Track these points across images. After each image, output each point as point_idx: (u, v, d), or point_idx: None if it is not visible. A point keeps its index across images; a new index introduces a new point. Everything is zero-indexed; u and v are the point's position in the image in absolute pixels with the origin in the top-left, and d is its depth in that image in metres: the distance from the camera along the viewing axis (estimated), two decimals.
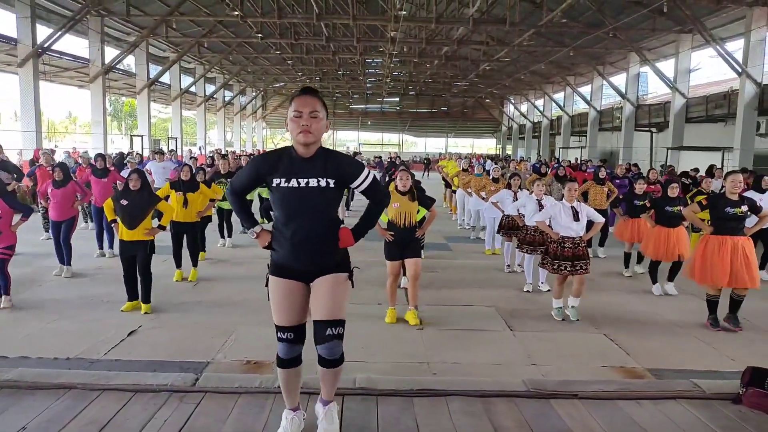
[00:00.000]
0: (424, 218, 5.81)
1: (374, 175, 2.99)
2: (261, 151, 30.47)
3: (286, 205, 2.82)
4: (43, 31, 17.49)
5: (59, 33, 17.01)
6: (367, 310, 5.97)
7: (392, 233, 5.52)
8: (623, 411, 3.46)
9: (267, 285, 2.96)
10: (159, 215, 6.11)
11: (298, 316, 2.91)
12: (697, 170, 15.11)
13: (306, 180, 2.77)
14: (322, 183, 2.77)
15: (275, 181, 2.80)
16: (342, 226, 2.92)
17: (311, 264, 2.86)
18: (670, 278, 7.05)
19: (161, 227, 6.06)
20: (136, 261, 5.83)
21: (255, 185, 2.99)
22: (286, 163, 2.80)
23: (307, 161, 2.79)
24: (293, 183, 2.77)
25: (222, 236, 9.80)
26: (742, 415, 3.42)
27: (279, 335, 2.91)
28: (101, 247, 8.64)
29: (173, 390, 3.57)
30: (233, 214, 10.08)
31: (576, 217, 5.79)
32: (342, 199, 3.02)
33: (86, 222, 10.94)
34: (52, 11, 19.07)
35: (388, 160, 20.16)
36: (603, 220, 6.25)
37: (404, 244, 5.55)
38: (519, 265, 8.00)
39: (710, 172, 11.37)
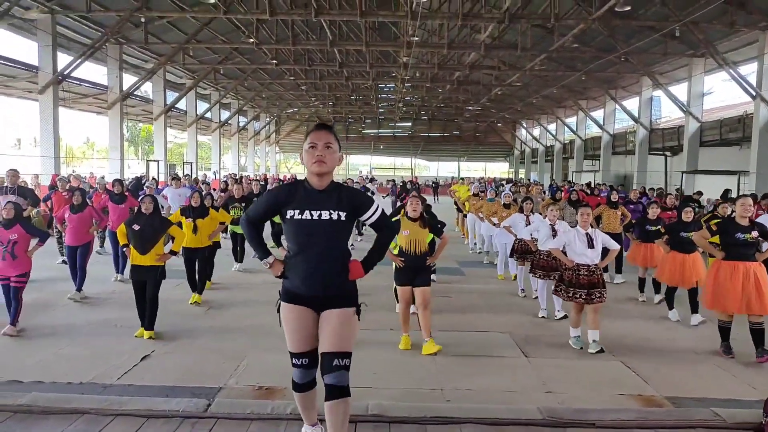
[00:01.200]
0: (433, 241, 5.77)
1: (383, 209, 3.10)
2: (270, 176, 30.73)
3: (298, 236, 2.91)
4: (63, 59, 17.92)
5: (79, 60, 17.40)
6: (379, 336, 5.92)
7: (402, 259, 5.50)
8: None
9: (278, 311, 3.02)
10: (171, 240, 6.16)
11: (311, 342, 2.97)
12: (700, 194, 15.00)
13: (319, 212, 2.88)
14: (334, 216, 2.89)
15: (289, 213, 2.90)
16: (352, 258, 3.01)
17: (321, 293, 2.93)
18: (694, 309, 6.74)
19: (173, 252, 6.11)
20: (146, 286, 5.86)
21: (272, 215, 3.08)
22: (302, 195, 2.92)
23: (320, 194, 2.91)
24: (306, 215, 2.87)
25: (236, 260, 9.83)
26: None
27: (294, 361, 2.99)
28: (118, 272, 8.68)
29: (185, 416, 3.56)
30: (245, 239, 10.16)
31: (591, 244, 5.70)
32: (352, 231, 3.13)
33: (101, 246, 11.03)
34: (72, 39, 19.56)
35: (401, 184, 20.23)
36: (618, 247, 6.15)
37: (415, 270, 5.52)
38: (535, 290, 7.92)
39: (725, 196, 11.26)
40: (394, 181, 28.71)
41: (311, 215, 2.87)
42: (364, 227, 15.12)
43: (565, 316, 6.73)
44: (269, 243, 11.70)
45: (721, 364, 5.31)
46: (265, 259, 3.04)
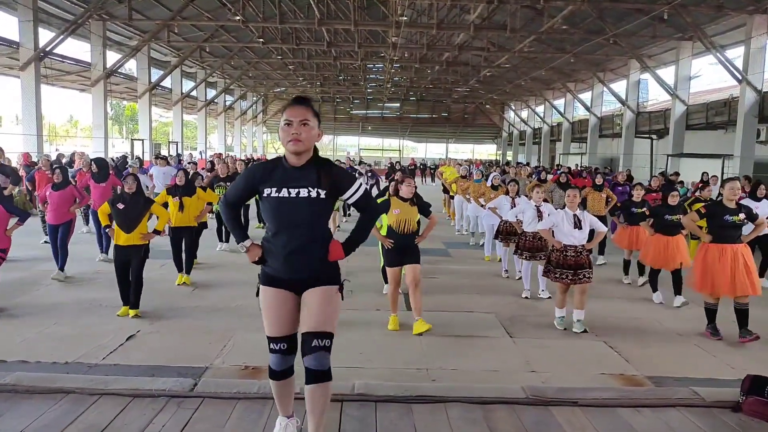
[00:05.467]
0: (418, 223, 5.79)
1: (365, 188, 2.96)
2: (257, 157, 30.48)
3: (276, 215, 2.79)
4: (45, 35, 17.54)
5: (61, 37, 17.06)
6: (365, 316, 5.95)
7: (392, 241, 5.52)
8: (622, 418, 3.45)
9: (257, 295, 2.92)
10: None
11: (290, 327, 2.87)
12: (677, 174, 15.16)
13: (297, 190, 2.74)
14: (313, 193, 2.74)
15: (266, 191, 2.78)
16: (333, 239, 2.89)
17: (301, 275, 2.82)
18: (677, 291, 6.83)
19: (157, 232, 6.08)
20: (130, 266, 5.83)
21: (249, 196, 2.97)
22: (279, 173, 2.79)
23: (298, 171, 2.77)
24: (284, 193, 2.75)
25: (220, 240, 9.80)
26: (741, 423, 3.41)
27: (271, 346, 2.86)
28: (103, 251, 8.60)
29: (171, 395, 3.56)
30: None
31: (578, 225, 5.74)
32: (333, 210, 2.97)
33: (87, 225, 10.92)
34: (54, 15, 19.12)
35: (388, 165, 20.15)
36: (605, 229, 6.22)
37: (404, 250, 5.55)
38: (519, 272, 8.00)
39: (703, 180, 11.39)
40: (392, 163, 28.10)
41: (288, 193, 2.73)
42: (350, 208, 15.10)
43: (550, 297, 6.82)
44: (256, 223, 11.71)
45: (702, 345, 5.42)
46: (242, 242, 2.92)
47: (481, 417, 3.40)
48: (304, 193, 2.74)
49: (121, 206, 5.80)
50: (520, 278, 7.39)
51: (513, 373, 4.60)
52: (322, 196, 2.76)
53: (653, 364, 4.83)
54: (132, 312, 5.79)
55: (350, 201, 2.89)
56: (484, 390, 3.80)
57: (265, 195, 2.79)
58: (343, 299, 2.92)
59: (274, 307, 2.85)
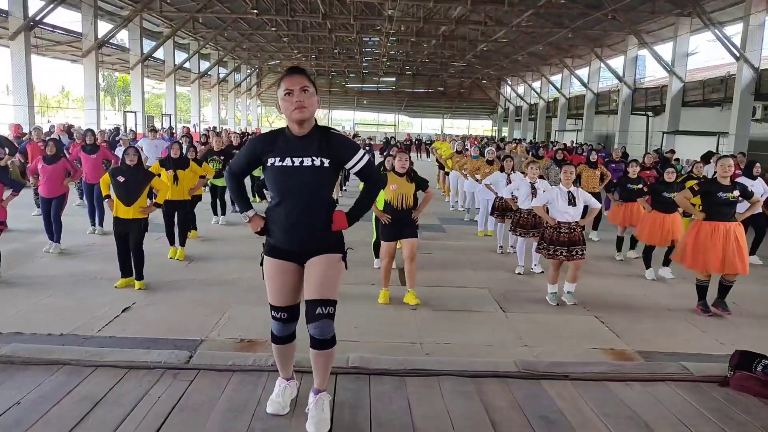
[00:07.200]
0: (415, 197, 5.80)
1: (369, 158, 2.94)
2: (251, 131, 30.24)
3: (280, 184, 2.79)
4: (35, 4, 17.20)
5: (51, 5, 16.72)
6: (360, 290, 5.99)
7: (389, 216, 5.52)
8: (613, 392, 3.50)
9: (261, 264, 2.95)
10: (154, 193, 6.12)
11: (292, 297, 2.91)
12: (673, 152, 15.20)
13: (300, 159, 2.74)
14: (317, 162, 2.74)
15: (270, 161, 2.78)
16: (337, 209, 2.88)
17: (304, 245, 2.84)
18: (666, 263, 7.07)
19: (157, 205, 6.06)
20: (129, 238, 5.82)
21: (254, 166, 2.95)
22: (282, 142, 2.79)
23: (301, 140, 2.77)
24: (287, 162, 2.74)
25: (215, 213, 9.80)
26: (729, 398, 3.47)
27: (273, 314, 2.93)
28: (94, 224, 8.58)
29: (167, 367, 3.58)
30: (227, 191, 10.10)
31: (572, 201, 5.76)
32: (336, 180, 2.96)
33: (81, 198, 10.87)
34: None
35: (384, 140, 20.05)
36: (599, 205, 6.24)
37: (401, 224, 5.56)
38: (512, 246, 8.05)
39: (707, 157, 11.36)
40: (387, 138, 27.64)
41: (292, 162, 2.73)
42: (347, 183, 15.07)
43: (543, 272, 6.88)
44: (251, 197, 11.65)
45: (692, 321, 5.48)
46: (245, 212, 2.95)
47: (473, 390, 3.45)
48: (308, 162, 2.74)
49: (121, 179, 5.76)
50: (515, 253, 7.43)
51: (505, 347, 4.65)
52: (326, 165, 2.76)
53: (644, 339, 4.90)
54: (138, 284, 5.84)
55: (353, 170, 2.86)
56: (476, 364, 3.84)
57: (268, 165, 2.78)
58: (347, 268, 2.94)
59: (277, 277, 2.88)
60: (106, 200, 5.97)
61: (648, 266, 7.14)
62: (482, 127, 54.65)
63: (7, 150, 10.18)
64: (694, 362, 3.99)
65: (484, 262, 7.67)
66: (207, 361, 3.68)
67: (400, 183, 5.52)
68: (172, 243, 7.33)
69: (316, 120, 2.86)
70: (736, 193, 5.50)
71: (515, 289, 6.42)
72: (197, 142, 13.28)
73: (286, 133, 2.80)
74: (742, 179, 7.31)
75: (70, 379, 3.39)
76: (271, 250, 2.90)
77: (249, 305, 5.41)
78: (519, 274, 7.05)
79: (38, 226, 8.40)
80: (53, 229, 7.29)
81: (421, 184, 5.67)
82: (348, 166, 2.85)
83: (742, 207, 5.70)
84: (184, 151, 7.86)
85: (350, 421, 3.06)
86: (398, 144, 14.48)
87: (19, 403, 3.10)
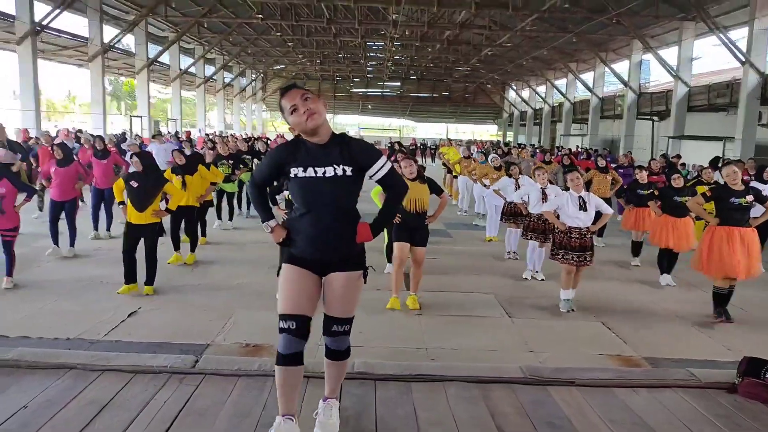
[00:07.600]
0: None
1: (391, 165, 2.84)
2: (256, 136, 30.27)
3: (304, 196, 2.74)
4: (41, 9, 17.30)
5: (57, 10, 16.83)
6: (365, 296, 5.88)
7: (399, 215, 5.46)
8: (619, 399, 3.49)
9: (278, 275, 2.86)
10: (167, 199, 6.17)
11: (305, 306, 2.76)
12: (679, 156, 15.14)
13: (323, 169, 2.68)
14: (339, 171, 2.68)
15: (293, 171, 2.72)
16: (361, 221, 2.82)
17: (327, 256, 2.78)
18: (668, 270, 7.02)
19: (169, 210, 6.08)
20: (142, 243, 5.83)
21: (276, 176, 2.89)
22: (303, 152, 2.72)
23: (322, 149, 2.71)
24: (310, 173, 2.69)
25: (219, 218, 9.78)
26: (737, 405, 3.45)
27: (281, 325, 2.72)
28: (96, 228, 8.58)
29: (173, 372, 3.59)
30: (234, 196, 10.12)
31: (583, 207, 5.70)
32: (360, 188, 2.86)
33: (82, 201, 10.86)
34: None
35: (389, 145, 20.06)
36: (611, 211, 6.17)
37: (414, 228, 5.53)
38: (515, 253, 8.04)
39: (715, 163, 11.30)
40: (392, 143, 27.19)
41: (315, 172, 2.67)
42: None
43: (543, 280, 6.87)
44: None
45: (700, 327, 5.45)
46: (267, 222, 2.86)
47: (479, 396, 3.44)
48: (330, 172, 2.68)
49: (134, 184, 5.77)
50: (517, 259, 7.38)
51: (511, 352, 4.63)
52: (348, 173, 2.70)
53: (651, 346, 4.87)
54: (147, 289, 5.85)
55: (375, 178, 2.77)
56: (482, 369, 3.84)
57: (292, 175, 2.73)
58: (365, 283, 2.91)
59: (293, 282, 2.77)
60: (121, 206, 5.98)
61: (662, 272, 7.08)
62: (487, 131, 54.67)
63: (20, 156, 10.22)
64: (702, 368, 3.98)
65: (490, 268, 7.65)
66: (213, 366, 3.69)
67: (412, 187, 5.42)
68: (176, 248, 7.33)
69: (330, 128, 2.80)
70: (750, 197, 5.40)
71: (521, 294, 6.40)
72: (201, 148, 13.31)
73: (308, 144, 2.74)
74: (753, 184, 7.27)
75: (76, 384, 3.40)
76: (292, 259, 2.82)
77: (255, 310, 5.41)
78: (526, 279, 7.02)
79: (42, 230, 8.42)
80: (57, 232, 7.30)
81: (435, 187, 5.66)
82: (370, 173, 2.76)
83: (755, 212, 5.62)
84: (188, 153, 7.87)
85: (355, 426, 3.06)
86: (403, 149, 14.44)
87: (26, 407, 3.12)
